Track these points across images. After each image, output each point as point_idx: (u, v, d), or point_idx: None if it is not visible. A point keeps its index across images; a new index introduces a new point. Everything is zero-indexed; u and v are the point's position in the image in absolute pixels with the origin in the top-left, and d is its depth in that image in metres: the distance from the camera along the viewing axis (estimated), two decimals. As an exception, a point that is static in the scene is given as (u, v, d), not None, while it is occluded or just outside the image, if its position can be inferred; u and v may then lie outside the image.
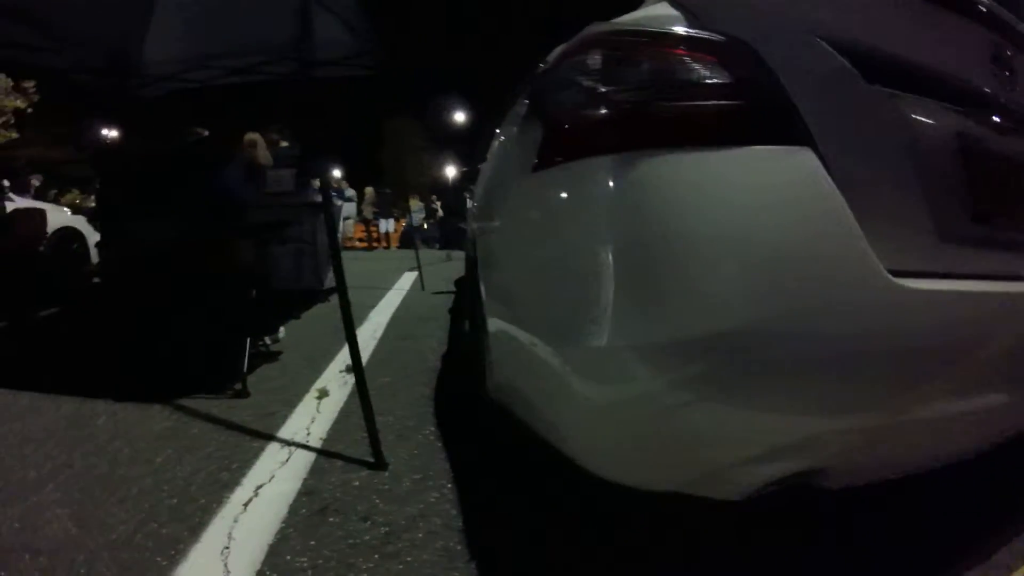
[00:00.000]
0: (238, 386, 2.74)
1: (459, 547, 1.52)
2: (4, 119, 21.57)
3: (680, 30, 1.21)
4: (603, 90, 1.23)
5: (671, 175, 1.10)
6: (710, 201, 1.07)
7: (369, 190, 17.34)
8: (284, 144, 7.19)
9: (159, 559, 1.46)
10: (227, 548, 1.51)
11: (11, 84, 21.81)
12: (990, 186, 1.29)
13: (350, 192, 16.16)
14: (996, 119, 1.34)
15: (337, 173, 15.60)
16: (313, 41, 5.48)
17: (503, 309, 1.65)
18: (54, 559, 1.45)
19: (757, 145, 1.09)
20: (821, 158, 1.08)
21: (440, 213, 18.55)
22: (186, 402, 2.60)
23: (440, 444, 2.15)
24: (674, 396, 1.08)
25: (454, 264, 9.22)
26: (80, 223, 6.59)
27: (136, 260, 2.85)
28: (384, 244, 17.07)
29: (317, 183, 8.72)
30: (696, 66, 1.15)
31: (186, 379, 2.87)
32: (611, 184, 1.14)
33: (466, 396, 2.57)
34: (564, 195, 1.29)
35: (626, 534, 1.62)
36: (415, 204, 17.24)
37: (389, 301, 5.58)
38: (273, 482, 1.85)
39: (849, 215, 1.05)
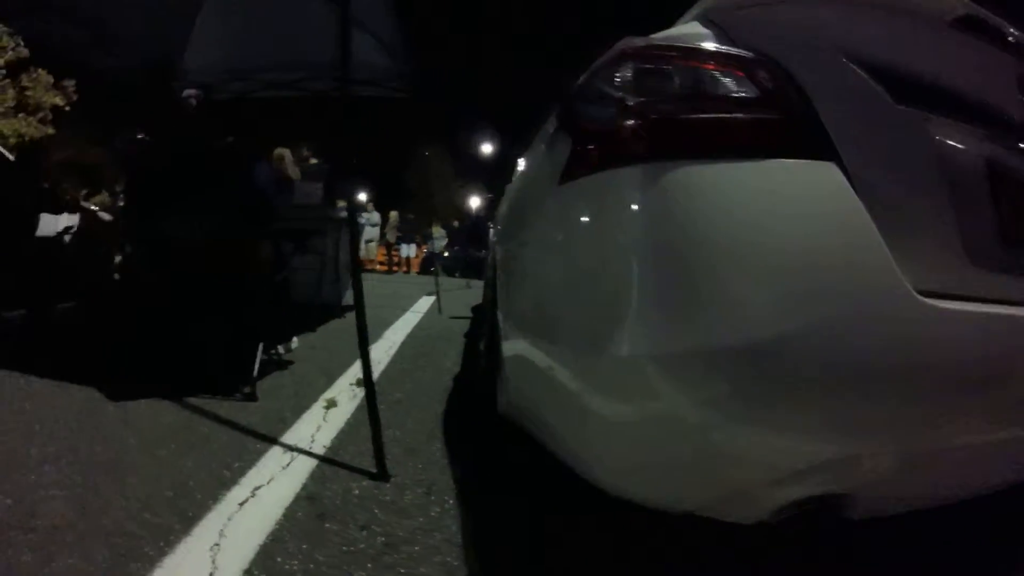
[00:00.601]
0: (248, 390, 2.71)
1: (457, 563, 1.46)
2: (42, 115, 22.13)
3: (711, 46, 1.24)
4: (635, 101, 1.23)
5: (699, 185, 1.10)
6: (737, 210, 1.07)
7: (393, 214, 17.52)
8: (313, 161, 7.31)
9: (147, 549, 1.41)
10: (217, 544, 1.46)
11: (51, 81, 22.45)
12: (1018, 211, 1.26)
13: (375, 216, 16.34)
14: (1022, 145, 1.31)
15: (363, 196, 15.78)
16: (351, 60, 5.63)
17: (521, 323, 1.63)
18: (45, 538, 1.42)
19: (783, 158, 1.09)
20: (846, 173, 1.07)
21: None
22: (196, 401, 2.57)
23: (447, 461, 2.09)
24: (695, 411, 1.06)
25: (473, 292, 9.24)
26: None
27: (159, 257, 2.86)
28: (404, 268, 17.20)
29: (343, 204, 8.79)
30: (726, 80, 1.18)
31: (198, 379, 2.85)
32: (640, 193, 1.14)
33: (478, 416, 2.53)
34: (591, 205, 1.28)
35: (635, 552, 1.57)
36: (437, 231, 17.37)
37: (406, 322, 5.55)
38: (272, 484, 1.80)
39: (873, 229, 1.04)
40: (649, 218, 1.11)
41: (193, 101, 3.09)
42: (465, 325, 5.58)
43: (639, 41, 1.33)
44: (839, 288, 1.01)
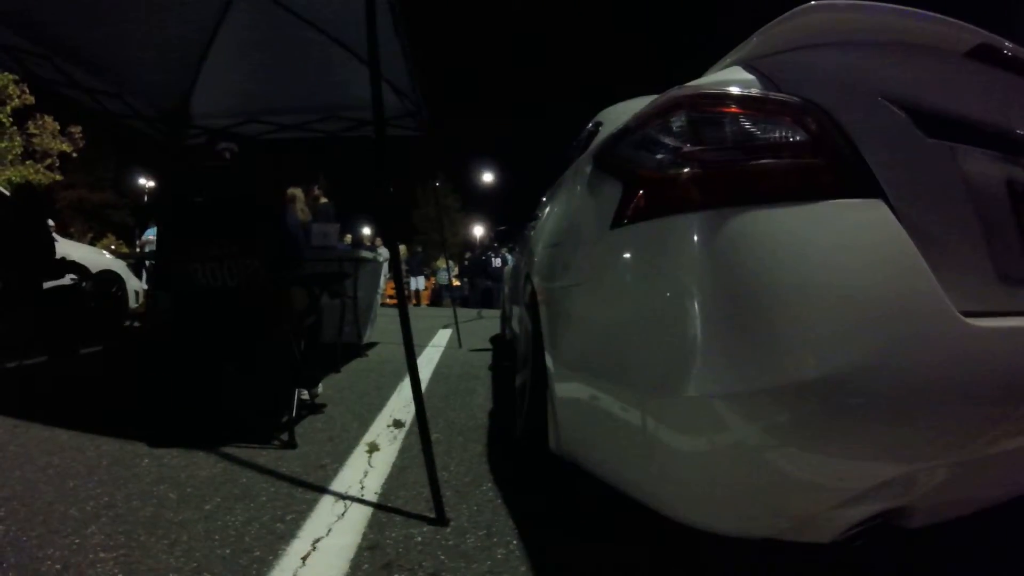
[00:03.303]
0: (285, 436, 2.67)
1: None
2: (49, 161, 22.43)
3: (760, 93, 1.28)
4: (689, 149, 1.28)
5: (760, 228, 1.14)
6: (796, 252, 1.12)
7: (402, 248, 17.59)
8: (324, 200, 7.34)
9: (217, 614, 1.36)
10: (289, 604, 1.41)
11: (57, 128, 22.79)
12: None
13: (383, 251, 16.37)
14: None
15: (367, 231, 15.87)
16: (358, 102, 5.71)
17: (578, 365, 1.62)
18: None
19: (835, 199, 1.15)
20: (892, 209, 1.14)
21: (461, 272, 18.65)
22: (232, 450, 2.53)
23: (501, 500, 2.04)
24: (768, 444, 1.09)
25: (486, 322, 9.20)
26: (120, 267, 6.72)
27: (191, 305, 2.83)
28: (414, 301, 17.21)
29: (348, 239, 8.79)
30: (776, 126, 1.24)
31: (231, 427, 2.83)
32: (704, 238, 1.17)
33: (523, 454, 2.47)
34: (652, 249, 1.31)
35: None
36: (443, 263, 17.43)
37: (428, 358, 5.52)
38: (331, 535, 1.75)
39: (920, 259, 1.10)
40: (715, 261, 1.15)
41: (227, 154, 3.10)
42: (487, 357, 5.54)
43: (688, 89, 1.38)
44: (897, 317, 1.06)
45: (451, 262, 16.74)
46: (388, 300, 17.31)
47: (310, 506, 1.97)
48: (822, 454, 1.07)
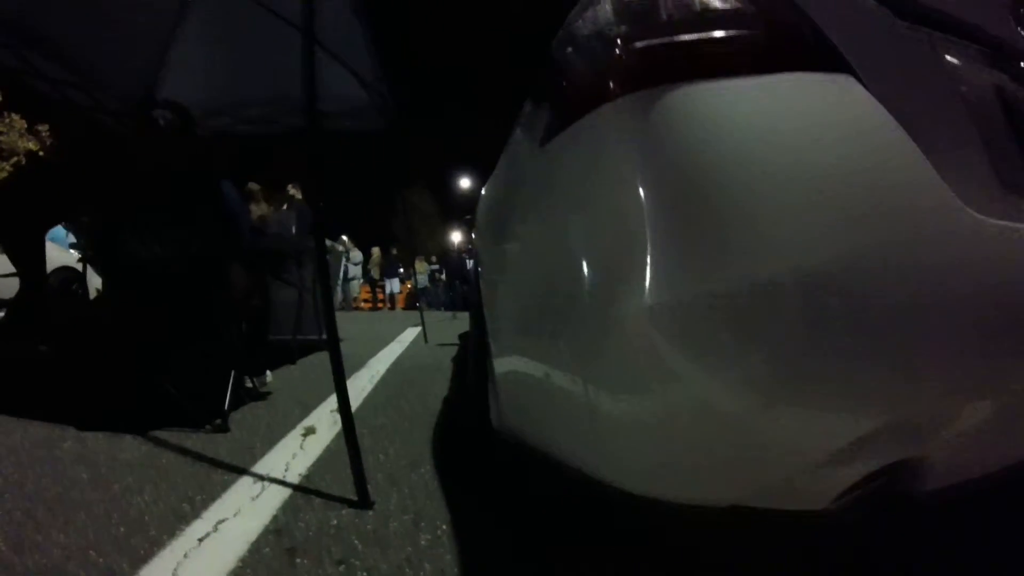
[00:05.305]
0: (218, 421, 2.51)
1: (453, 597, 1.26)
2: (16, 160, 21.94)
3: None
4: (614, 32, 1.09)
5: (706, 107, 0.94)
6: (755, 132, 0.91)
7: (375, 251, 17.37)
8: (297, 196, 7.14)
9: (86, 593, 1.20)
10: (169, 586, 1.25)
11: (25, 126, 22.34)
12: None
13: (357, 254, 16.18)
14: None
15: (344, 237, 15.70)
16: (319, 90, 5.50)
17: (509, 320, 1.45)
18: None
19: (789, 72, 0.95)
20: (864, 87, 0.93)
21: (443, 278, 18.48)
22: (161, 433, 2.37)
23: (436, 484, 1.88)
24: (724, 374, 0.85)
25: (458, 322, 9.06)
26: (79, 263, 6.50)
27: (123, 280, 2.66)
28: (389, 305, 17.00)
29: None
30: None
31: (166, 411, 2.64)
32: (640, 125, 0.97)
33: (468, 436, 2.34)
34: (580, 153, 1.10)
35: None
36: (421, 267, 17.24)
37: (391, 351, 5.36)
38: (237, 517, 1.59)
39: (910, 141, 0.88)
40: (653, 152, 0.94)
41: (160, 121, 2.92)
42: (452, 352, 5.39)
43: None
44: (890, 207, 0.84)
45: (426, 265, 16.60)
46: (363, 304, 17.15)
47: (224, 488, 1.80)
48: (797, 385, 0.84)
